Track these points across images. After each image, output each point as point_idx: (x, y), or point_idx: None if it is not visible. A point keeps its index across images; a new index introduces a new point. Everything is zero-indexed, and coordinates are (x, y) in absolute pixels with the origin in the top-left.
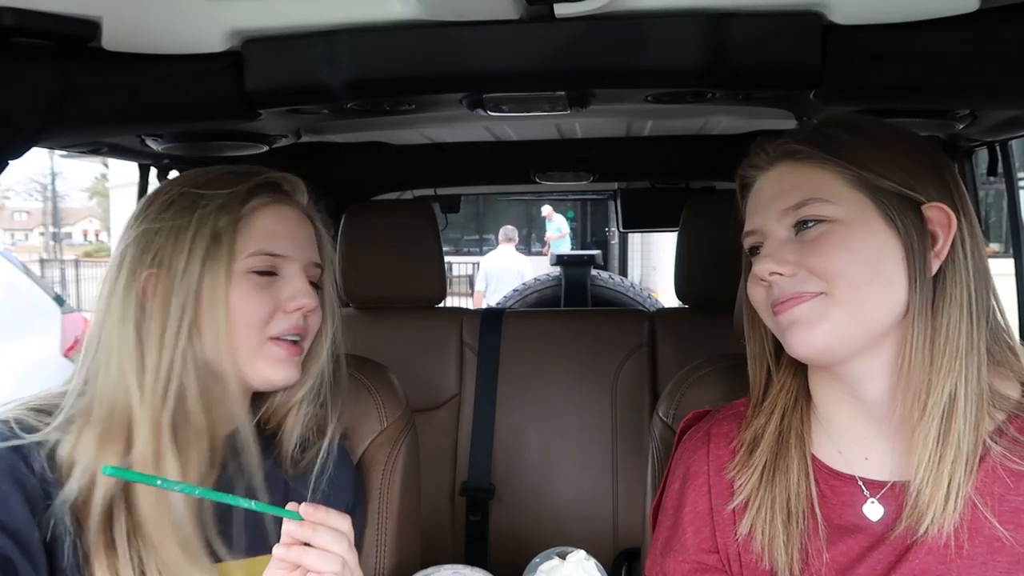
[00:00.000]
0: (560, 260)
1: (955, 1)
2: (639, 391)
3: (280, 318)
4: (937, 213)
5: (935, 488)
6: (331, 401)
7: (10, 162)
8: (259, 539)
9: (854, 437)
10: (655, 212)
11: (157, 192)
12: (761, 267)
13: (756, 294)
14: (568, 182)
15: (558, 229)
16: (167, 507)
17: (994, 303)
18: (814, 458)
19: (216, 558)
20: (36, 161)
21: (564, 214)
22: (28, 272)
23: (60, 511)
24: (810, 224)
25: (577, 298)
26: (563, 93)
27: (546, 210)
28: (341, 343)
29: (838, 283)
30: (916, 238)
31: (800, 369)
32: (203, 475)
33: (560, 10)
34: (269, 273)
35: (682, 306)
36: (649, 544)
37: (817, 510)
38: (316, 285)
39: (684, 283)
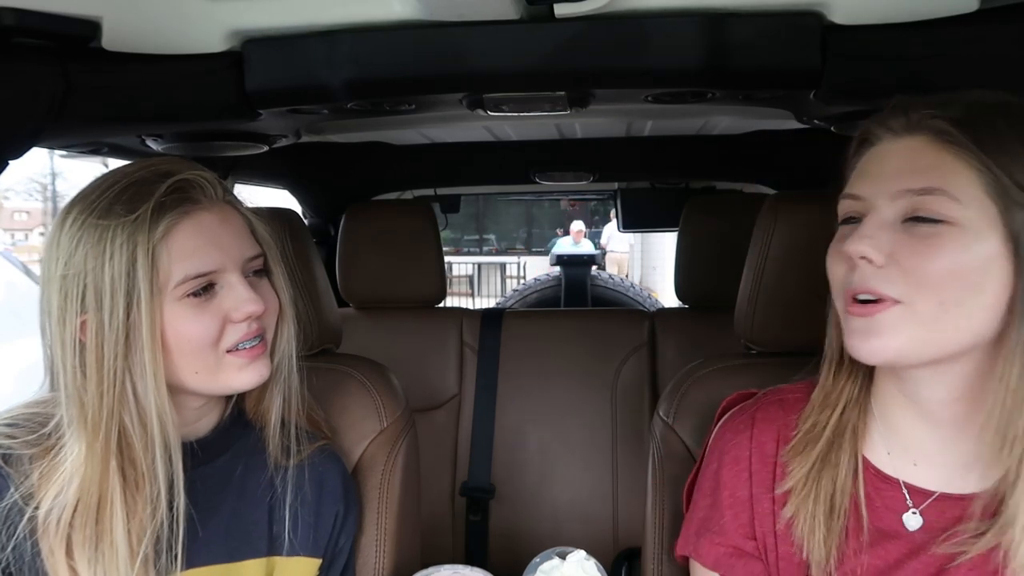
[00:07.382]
0: (560, 260)
1: (955, 1)
2: (639, 391)
3: (231, 330)
4: None
5: None
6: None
7: (10, 162)
8: (236, 546)
9: (905, 440)
10: (655, 212)
11: (59, 228)
12: (854, 247)
13: (836, 270)
14: (568, 182)
15: None
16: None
17: None
18: (863, 458)
19: (184, 565)
20: (36, 161)
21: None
22: (28, 272)
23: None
24: (926, 220)
25: (577, 298)
26: (563, 93)
27: (577, 227)
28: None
29: (926, 296)
30: None
31: None
32: (159, 497)
33: (560, 10)
34: (206, 289)
35: (682, 306)
36: (650, 543)
37: (863, 511)
38: (264, 271)
39: (684, 283)
